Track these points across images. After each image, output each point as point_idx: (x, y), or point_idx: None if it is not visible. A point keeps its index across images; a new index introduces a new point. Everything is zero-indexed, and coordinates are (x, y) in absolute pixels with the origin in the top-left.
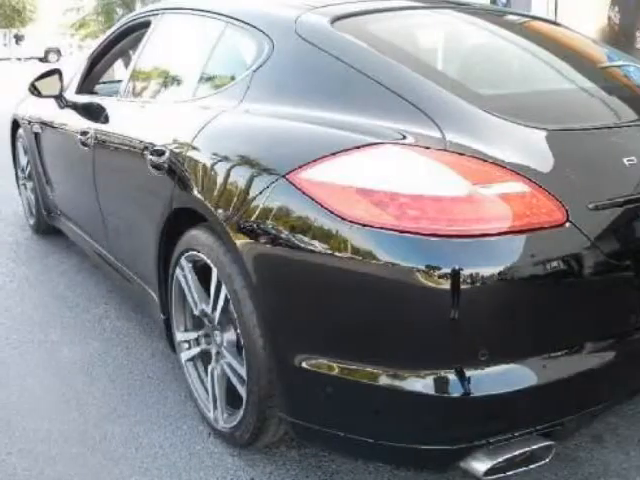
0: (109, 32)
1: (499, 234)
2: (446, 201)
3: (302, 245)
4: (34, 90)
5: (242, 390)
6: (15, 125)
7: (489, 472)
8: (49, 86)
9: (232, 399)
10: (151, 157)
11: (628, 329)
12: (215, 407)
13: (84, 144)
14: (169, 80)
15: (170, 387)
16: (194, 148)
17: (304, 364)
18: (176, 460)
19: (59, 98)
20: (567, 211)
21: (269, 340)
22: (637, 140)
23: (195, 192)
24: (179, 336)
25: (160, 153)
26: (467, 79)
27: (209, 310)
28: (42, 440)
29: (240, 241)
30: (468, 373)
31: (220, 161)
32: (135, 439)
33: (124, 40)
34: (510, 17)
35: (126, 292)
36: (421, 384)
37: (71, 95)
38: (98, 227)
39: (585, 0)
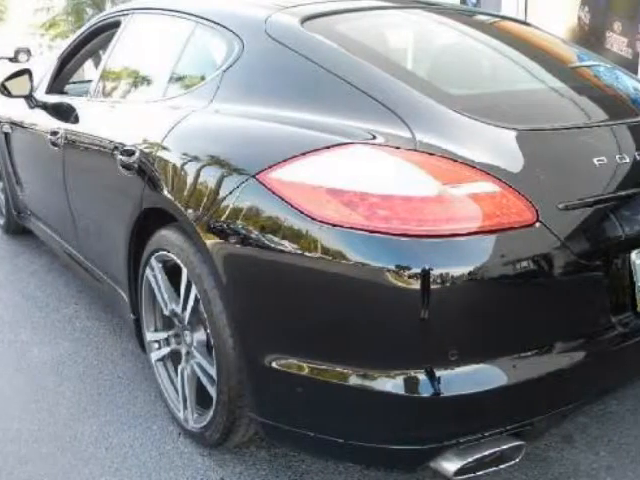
0: (79, 32)
1: (469, 234)
2: (416, 201)
3: (272, 245)
4: (4, 90)
5: (212, 390)
6: None
7: (459, 472)
8: (19, 86)
9: (202, 399)
10: (121, 157)
11: (598, 329)
12: (185, 407)
13: (54, 144)
14: (139, 80)
15: (140, 387)
16: (164, 148)
17: (274, 364)
18: (146, 460)
19: (29, 98)
20: (537, 211)
21: (239, 340)
22: (607, 140)
23: (165, 192)
24: (149, 336)
25: (130, 153)
26: (437, 79)
27: (179, 310)
28: (12, 440)
29: (210, 241)
30: (438, 373)
31: (190, 161)
32: (105, 439)
33: (94, 40)
34: (480, 17)
35: (96, 292)
36: (391, 384)
37: (41, 95)
38: (68, 227)
39: (555, 0)
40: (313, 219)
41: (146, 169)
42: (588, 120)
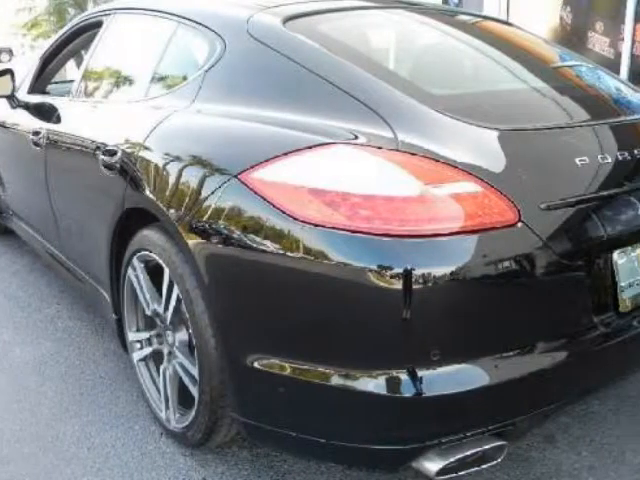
0: (61, 32)
1: (451, 234)
2: (398, 201)
3: (254, 245)
4: None
5: (194, 390)
6: None
7: (441, 472)
8: (1, 86)
9: (184, 399)
10: (103, 157)
11: (580, 329)
12: (167, 407)
13: (36, 144)
14: (121, 80)
15: (122, 387)
16: (146, 148)
17: (256, 364)
18: (128, 460)
19: (11, 98)
20: (519, 211)
21: (221, 340)
22: (589, 140)
23: (147, 192)
24: (131, 336)
25: (112, 153)
26: (419, 79)
27: (161, 310)
28: None
29: (192, 241)
30: (420, 373)
31: (172, 161)
32: (87, 439)
33: (76, 40)
34: (462, 17)
35: (78, 292)
36: (373, 384)
37: (23, 95)
38: (50, 227)
39: (537, 0)
40: (295, 219)
41: (128, 169)
42: (570, 120)
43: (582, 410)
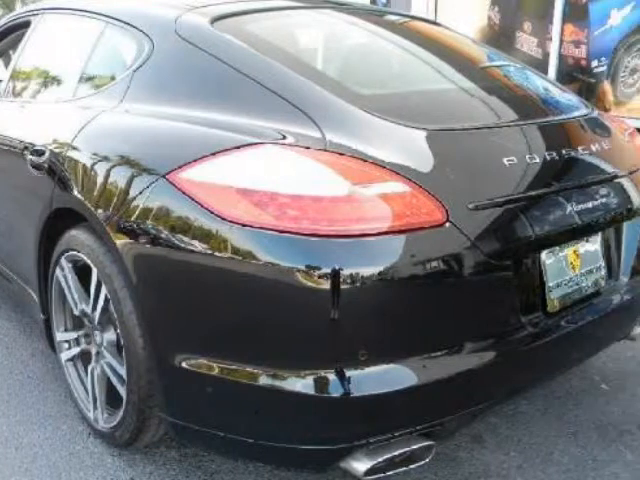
0: None
1: (379, 234)
2: (326, 201)
3: (182, 245)
4: None
5: (122, 390)
6: None
7: (369, 472)
8: None
9: (112, 399)
10: (31, 157)
11: (508, 329)
12: (95, 407)
13: None
14: (49, 80)
15: (50, 387)
16: (74, 148)
17: (184, 364)
18: (56, 460)
19: None
20: (447, 211)
21: (149, 340)
22: (517, 140)
23: (75, 192)
24: (59, 336)
25: (40, 153)
26: (347, 79)
27: (89, 310)
28: None
29: (120, 241)
30: (348, 373)
31: (100, 161)
32: (15, 439)
33: (4, 40)
34: (390, 17)
35: (6, 292)
36: (301, 384)
37: None
38: None
39: (465, 0)
40: (223, 219)
41: (56, 169)
42: (498, 120)
43: (510, 410)
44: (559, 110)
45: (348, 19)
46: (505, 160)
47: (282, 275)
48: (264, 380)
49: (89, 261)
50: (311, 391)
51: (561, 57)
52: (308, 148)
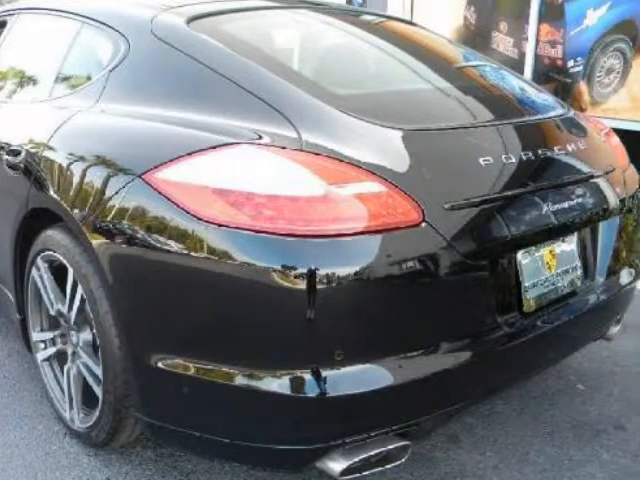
0: None
1: (355, 234)
2: (302, 201)
3: (158, 245)
4: None
5: (98, 390)
6: None
7: (345, 472)
8: None
9: (88, 399)
10: (7, 157)
11: (484, 329)
12: (71, 407)
13: None
14: (26, 80)
15: (26, 387)
16: (50, 148)
17: (160, 364)
18: (32, 460)
19: None
20: (423, 211)
21: (125, 340)
22: (493, 140)
23: (51, 192)
24: (35, 336)
25: (16, 153)
26: (323, 79)
27: (65, 310)
28: None
29: (96, 241)
30: (324, 373)
31: (76, 161)
32: None
33: None
34: (366, 17)
35: None
36: (277, 384)
37: None
38: None
39: (441, 0)
40: (199, 219)
41: (32, 169)
42: (474, 120)
43: (486, 410)
44: (535, 110)
45: (324, 19)
46: (481, 160)
47: (258, 275)
48: (240, 380)
49: (65, 261)
50: (287, 391)
51: (537, 57)
52: (284, 148)
